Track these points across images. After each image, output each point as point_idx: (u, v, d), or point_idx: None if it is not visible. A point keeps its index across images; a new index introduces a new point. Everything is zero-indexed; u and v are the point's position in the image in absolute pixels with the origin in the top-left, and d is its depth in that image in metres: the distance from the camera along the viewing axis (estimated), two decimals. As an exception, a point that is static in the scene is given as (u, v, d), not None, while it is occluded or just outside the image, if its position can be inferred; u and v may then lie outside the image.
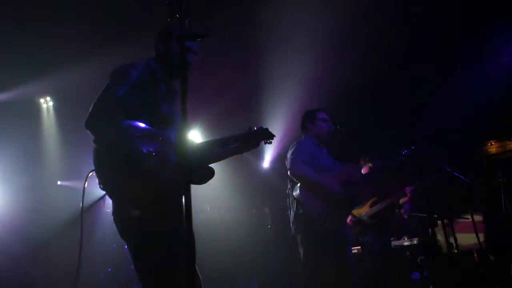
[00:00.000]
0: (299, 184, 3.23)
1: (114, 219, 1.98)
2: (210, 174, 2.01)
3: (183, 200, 2.01)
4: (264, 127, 2.45)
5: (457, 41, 5.94)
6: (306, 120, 3.63)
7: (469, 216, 4.26)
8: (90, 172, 1.93)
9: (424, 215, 5.49)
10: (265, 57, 5.99)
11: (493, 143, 6.76)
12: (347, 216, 3.35)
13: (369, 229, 4.33)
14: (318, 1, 5.16)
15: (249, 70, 6.35)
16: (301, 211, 3.20)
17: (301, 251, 3.26)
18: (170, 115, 2.06)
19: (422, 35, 5.89)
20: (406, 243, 5.30)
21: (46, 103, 6.42)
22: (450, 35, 5.86)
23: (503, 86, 6.21)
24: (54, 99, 6.39)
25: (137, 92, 1.92)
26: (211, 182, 1.99)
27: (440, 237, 4.14)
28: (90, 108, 1.85)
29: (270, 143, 2.48)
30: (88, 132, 1.84)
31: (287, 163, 3.39)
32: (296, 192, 3.23)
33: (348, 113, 6.09)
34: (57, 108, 6.41)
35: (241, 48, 6.00)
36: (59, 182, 6.66)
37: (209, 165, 2.07)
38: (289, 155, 3.41)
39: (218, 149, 2.24)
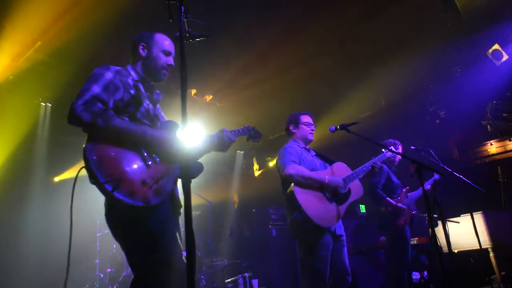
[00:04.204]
0: (292, 185, 3.20)
1: (108, 217, 1.98)
2: (201, 169, 2.07)
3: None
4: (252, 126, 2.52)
5: (458, 41, 5.95)
6: (290, 124, 3.62)
7: (469, 216, 4.27)
8: (80, 169, 1.88)
9: (424, 215, 5.49)
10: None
11: (493, 143, 6.76)
12: (343, 213, 3.29)
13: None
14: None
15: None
16: (296, 214, 3.18)
17: (300, 253, 3.28)
18: (148, 117, 2.09)
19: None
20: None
21: (46, 106, 6.41)
22: (451, 35, 5.87)
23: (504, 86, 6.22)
24: (52, 106, 6.38)
25: (113, 93, 1.98)
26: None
27: (440, 237, 4.14)
28: (70, 106, 1.86)
29: (259, 141, 2.54)
30: (75, 125, 1.86)
31: (278, 167, 3.38)
32: (290, 193, 3.20)
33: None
34: (55, 113, 6.39)
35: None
36: (56, 179, 6.65)
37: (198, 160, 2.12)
38: (279, 159, 3.39)
39: (209, 145, 2.24)
